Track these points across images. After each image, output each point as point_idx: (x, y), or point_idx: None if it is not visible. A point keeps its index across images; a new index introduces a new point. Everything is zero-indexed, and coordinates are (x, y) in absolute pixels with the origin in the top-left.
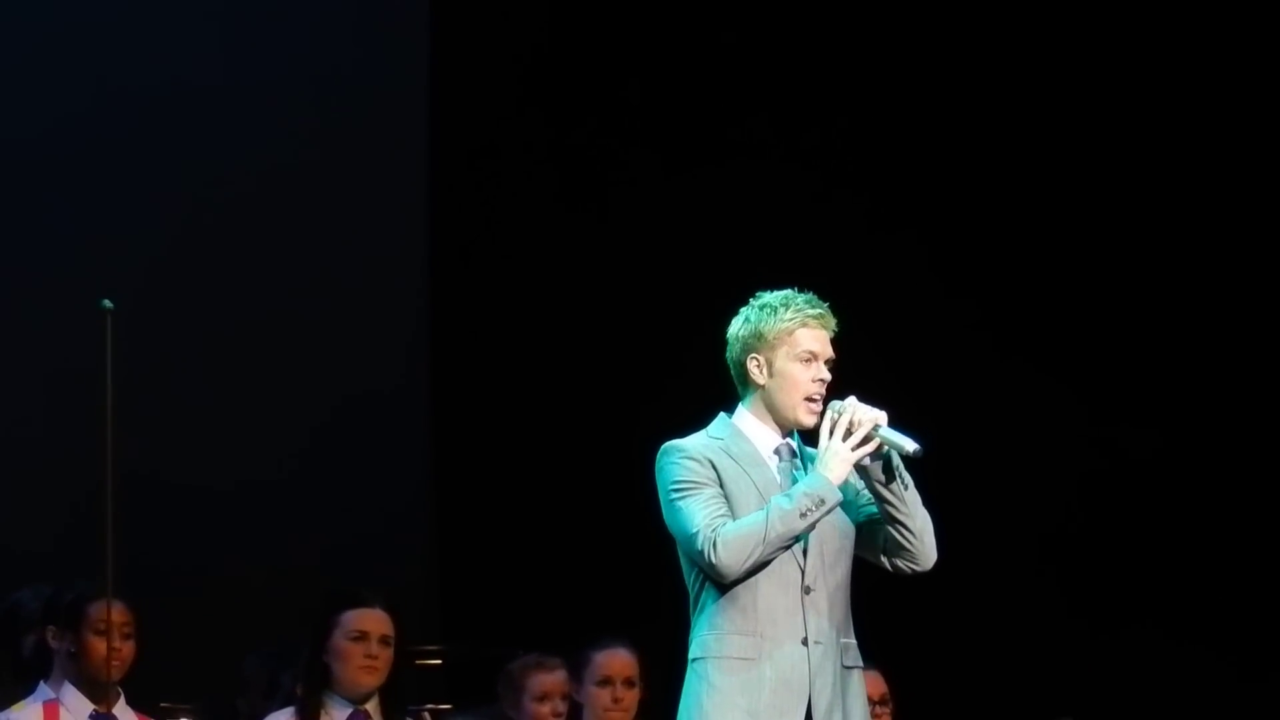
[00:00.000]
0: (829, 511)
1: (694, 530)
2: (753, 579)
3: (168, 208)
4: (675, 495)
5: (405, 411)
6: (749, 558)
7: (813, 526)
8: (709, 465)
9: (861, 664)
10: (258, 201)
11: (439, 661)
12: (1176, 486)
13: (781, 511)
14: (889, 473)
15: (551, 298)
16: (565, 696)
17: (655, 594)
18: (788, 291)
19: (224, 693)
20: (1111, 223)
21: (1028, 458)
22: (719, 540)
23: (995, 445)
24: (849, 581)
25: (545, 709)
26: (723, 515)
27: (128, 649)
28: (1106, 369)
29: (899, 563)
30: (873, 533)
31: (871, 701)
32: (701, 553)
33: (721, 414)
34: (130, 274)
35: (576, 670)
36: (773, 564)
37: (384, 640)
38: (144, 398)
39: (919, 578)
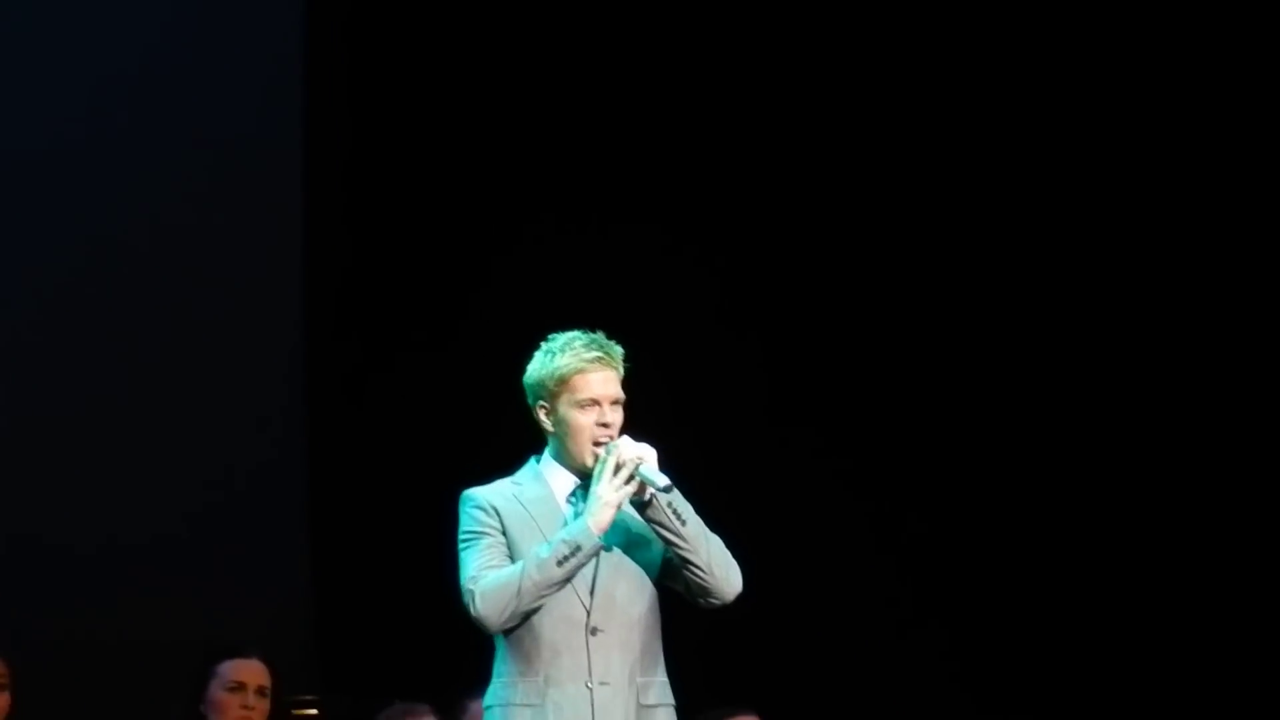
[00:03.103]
0: (589, 557)
1: (461, 583)
2: (534, 622)
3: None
4: (460, 546)
5: (281, 467)
6: (505, 608)
7: (573, 573)
8: (494, 514)
9: (671, 701)
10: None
11: (315, 712)
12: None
13: (538, 560)
14: (650, 509)
15: (427, 358)
16: None
17: None
18: (572, 334)
19: None
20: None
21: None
22: (478, 593)
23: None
24: (653, 619)
25: None
26: (491, 566)
27: (3, 701)
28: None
29: (701, 600)
30: (675, 571)
31: None
32: (465, 606)
33: (532, 458)
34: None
35: (455, 716)
36: (555, 606)
37: (261, 691)
38: (20, 454)
39: (814, 623)
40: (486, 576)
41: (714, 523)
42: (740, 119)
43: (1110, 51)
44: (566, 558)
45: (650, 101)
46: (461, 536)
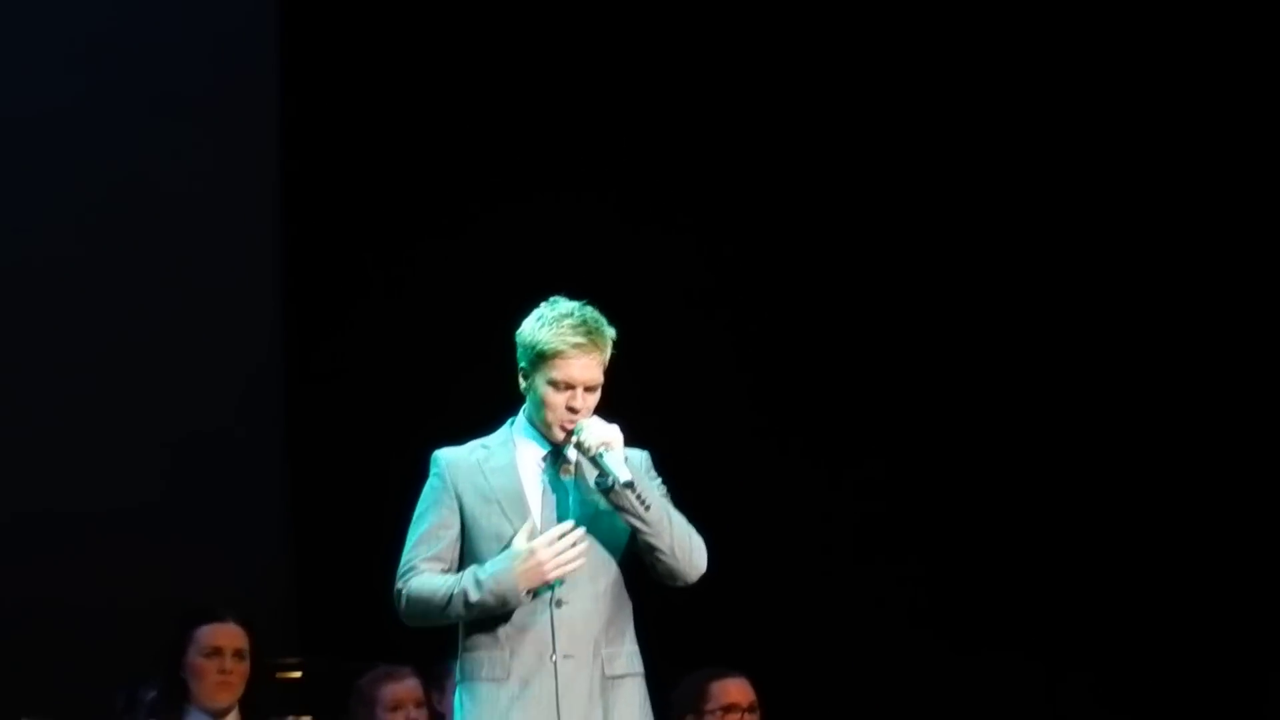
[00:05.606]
0: (510, 608)
1: (399, 568)
2: None
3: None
4: (414, 513)
5: (260, 429)
6: (425, 620)
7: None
8: (451, 487)
9: (639, 670)
10: (108, 217)
11: (299, 674)
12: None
13: (465, 596)
14: (613, 495)
15: (405, 318)
16: (420, 704)
17: None
18: (568, 307)
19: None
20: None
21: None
22: (405, 593)
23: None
24: (618, 589)
25: (399, 718)
26: (428, 559)
27: None
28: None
29: (665, 581)
30: (640, 548)
31: (739, 708)
32: (394, 597)
33: (510, 420)
34: None
35: (439, 680)
36: None
37: (238, 654)
38: None
39: (807, 589)
40: (418, 577)
41: (685, 498)
42: (729, 95)
43: (1118, 48)
44: (485, 603)
45: (643, 70)
46: (418, 505)
